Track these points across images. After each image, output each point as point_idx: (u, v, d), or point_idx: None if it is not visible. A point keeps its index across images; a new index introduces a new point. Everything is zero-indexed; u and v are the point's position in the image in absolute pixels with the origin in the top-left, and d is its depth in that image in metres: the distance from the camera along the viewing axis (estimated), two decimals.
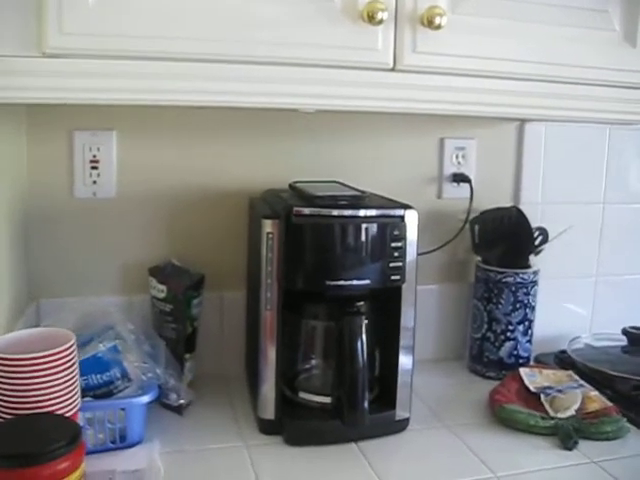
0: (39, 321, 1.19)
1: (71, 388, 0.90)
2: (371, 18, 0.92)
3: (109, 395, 1.06)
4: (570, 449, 1.07)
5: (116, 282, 1.27)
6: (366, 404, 1.03)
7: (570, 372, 1.29)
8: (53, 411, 0.87)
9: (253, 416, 1.14)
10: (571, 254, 1.48)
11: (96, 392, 1.04)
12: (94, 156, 1.22)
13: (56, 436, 0.77)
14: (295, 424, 1.08)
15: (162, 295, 1.18)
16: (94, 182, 1.23)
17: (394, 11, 0.95)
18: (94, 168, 1.23)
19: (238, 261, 1.28)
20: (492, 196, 1.41)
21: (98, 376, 1.05)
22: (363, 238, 1.04)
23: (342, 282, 1.04)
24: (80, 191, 1.23)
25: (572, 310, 1.53)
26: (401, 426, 1.12)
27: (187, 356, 1.17)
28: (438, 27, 0.95)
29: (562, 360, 1.38)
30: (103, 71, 0.88)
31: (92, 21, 0.86)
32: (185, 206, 1.29)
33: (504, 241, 1.35)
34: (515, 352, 1.34)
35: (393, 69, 0.98)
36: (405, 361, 1.11)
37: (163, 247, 1.28)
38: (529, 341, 1.36)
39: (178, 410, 1.15)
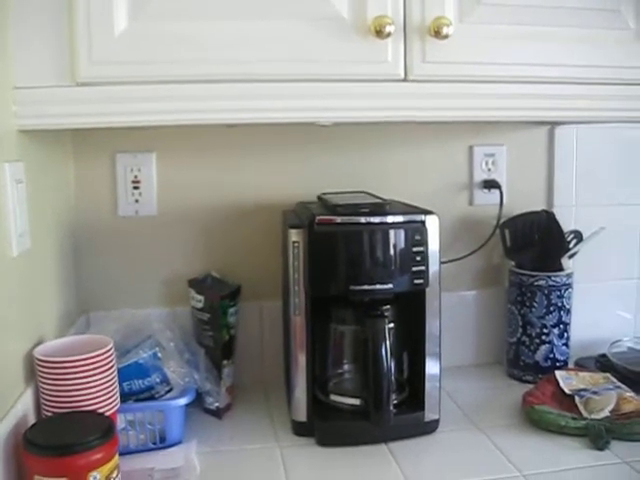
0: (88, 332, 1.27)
1: (110, 389, 0.98)
2: (379, 32, 0.96)
3: (151, 400, 1.12)
4: (601, 449, 1.06)
5: (160, 295, 1.35)
6: (390, 405, 1.06)
7: (608, 374, 1.27)
8: (93, 410, 0.94)
9: (289, 419, 1.18)
10: (611, 257, 1.46)
11: (139, 397, 1.11)
12: (135, 177, 1.31)
13: (91, 430, 0.84)
14: (325, 425, 1.12)
15: (200, 305, 1.23)
16: (136, 201, 1.32)
17: (402, 23, 0.99)
18: (136, 188, 1.31)
19: (274, 272, 1.32)
20: (525, 201, 1.42)
21: (140, 381, 1.11)
22: (384, 244, 1.08)
23: (365, 287, 1.08)
24: (123, 210, 1.32)
25: (615, 314, 1.50)
26: (431, 427, 1.14)
27: (225, 362, 1.22)
28: (445, 37, 0.98)
29: (602, 364, 1.36)
30: (132, 96, 0.96)
31: (118, 50, 0.94)
32: (223, 221, 1.35)
33: (535, 245, 1.35)
34: (551, 355, 1.34)
35: (405, 79, 1.01)
36: (432, 363, 1.13)
37: (203, 261, 1.34)
38: (566, 344, 1.35)
39: (217, 414, 1.21)
